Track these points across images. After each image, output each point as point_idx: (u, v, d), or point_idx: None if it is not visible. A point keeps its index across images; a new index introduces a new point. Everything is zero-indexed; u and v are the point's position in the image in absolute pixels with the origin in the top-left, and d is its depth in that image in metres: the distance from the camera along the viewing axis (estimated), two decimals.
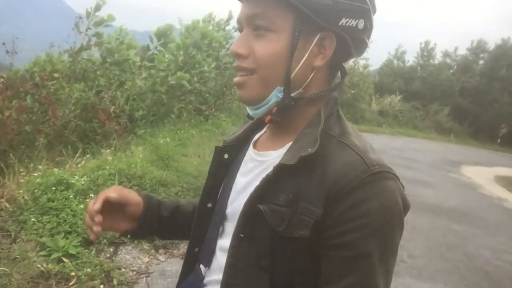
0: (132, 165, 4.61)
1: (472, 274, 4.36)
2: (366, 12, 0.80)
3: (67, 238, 2.96)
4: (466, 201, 8.48)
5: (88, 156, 5.68)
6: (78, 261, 2.80)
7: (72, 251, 2.83)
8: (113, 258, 3.08)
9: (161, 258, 3.30)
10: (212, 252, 0.94)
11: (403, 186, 0.80)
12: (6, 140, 5.76)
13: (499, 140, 28.90)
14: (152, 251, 3.36)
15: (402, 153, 15.11)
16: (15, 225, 3.14)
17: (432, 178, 10.80)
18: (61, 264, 2.75)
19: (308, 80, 0.82)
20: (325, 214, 0.73)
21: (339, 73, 0.92)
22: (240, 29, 0.85)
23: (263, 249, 0.78)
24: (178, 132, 7.67)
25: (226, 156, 0.98)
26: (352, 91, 23.34)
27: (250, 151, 0.94)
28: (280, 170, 0.78)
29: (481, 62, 34.28)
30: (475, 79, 32.77)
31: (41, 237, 2.95)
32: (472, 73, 33.35)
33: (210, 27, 9.15)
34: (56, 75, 7.06)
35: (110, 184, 4.05)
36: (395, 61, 33.45)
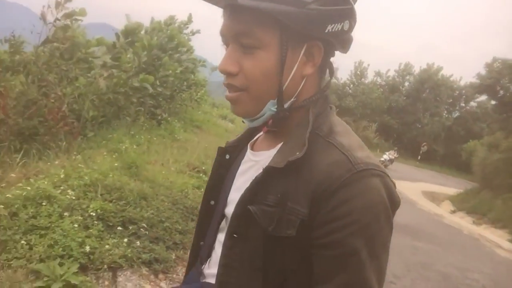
0: (110, 175, 4.15)
1: None
2: (350, 12, 0.80)
3: (62, 264, 2.52)
4: (413, 218, 8.87)
5: (45, 158, 5.07)
6: None
7: (74, 280, 2.39)
8: (115, 286, 2.68)
9: (163, 285, 2.94)
10: (210, 247, 0.96)
11: (394, 183, 0.79)
12: None
13: (419, 157, 31.06)
14: (152, 276, 2.98)
15: None
16: None
17: None
18: None
19: (300, 88, 0.83)
20: (312, 214, 0.74)
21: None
22: (225, 42, 0.83)
23: (256, 249, 0.79)
24: (137, 136, 7.17)
25: (227, 156, 1.01)
26: None
27: (248, 152, 0.97)
28: (269, 172, 0.78)
29: (407, 83, 36.82)
30: (402, 99, 35.06)
31: (30, 262, 2.48)
32: (399, 93, 35.66)
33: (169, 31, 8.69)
34: None
35: (91, 196, 3.59)
36: None
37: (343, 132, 0.83)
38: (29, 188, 3.11)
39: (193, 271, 1.02)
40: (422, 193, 16.00)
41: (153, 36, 7.53)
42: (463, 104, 36.60)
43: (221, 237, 0.92)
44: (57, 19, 4.80)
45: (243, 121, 0.92)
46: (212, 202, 1.01)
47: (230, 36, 0.80)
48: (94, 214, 3.12)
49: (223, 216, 0.94)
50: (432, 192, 17.17)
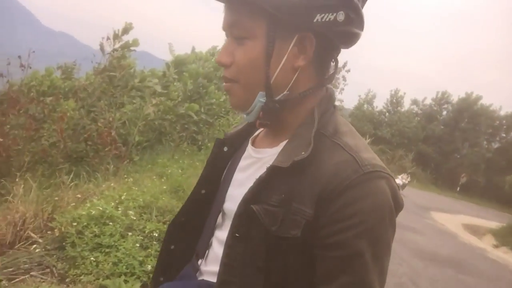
0: (162, 198, 4.34)
1: None
2: (344, 3, 0.77)
3: (127, 282, 2.67)
4: (455, 251, 8.66)
5: (94, 181, 5.33)
6: None
7: None
8: None
9: None
10: (207, 244, 0.94)
11: (398, 186, 0.79)
12: (3, 157, 5.35)
13: (458, 189, 30.08)
14: None
15: None
16: (61, 261, 2.82)
17: (413, 223, 11.02)
18: None
19: (292, 81, 0.81)
20: (317, 214, 0.73)
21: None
22: (225, 36, 0.85)
23: (258, 249, 0.77)
24: (180, 161, 7.42)
25: (225, 149, 0.99)
26: None
27: (249, 147, 0.95)
28: (273, 172, 0.77)
29: (444, 112, 36.16)
30: (439, 128, 34.38)
31: (97, 278, 2.65)
32: (436, 122, 35.01)
33: (213, 59, 9.05)
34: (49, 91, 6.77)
35: (146, 218, 3.77)
36: (366, 105, 34.65)
37: (348, 132, 0.82)
38: (100, 208, 3.32)
39: (189, 267, 1.00)
40: (462, 225, 15.50)
41: (199, 66, 7.88)
42: (504, 135, 35.50)
43: (219, 234, 0.91)
44: (114, 49, 5.15)
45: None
46: (203, 191, 1.00)
47: (226, 29, 0.82)
48: (156, 235, 3.29)
49: (222, 212, 0.93)
50: (473, 225, 16.57)
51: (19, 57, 5.15)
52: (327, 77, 0.87)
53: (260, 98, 0.81)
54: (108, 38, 5.06)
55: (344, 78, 27.45)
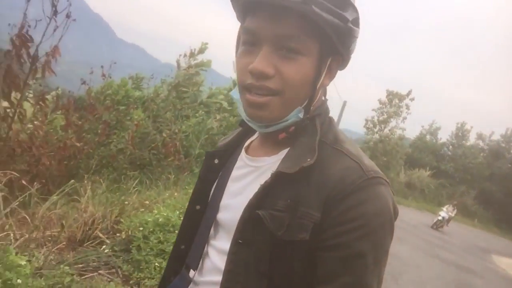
0: None
1: None
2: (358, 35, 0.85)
3: None
4: None
5: (155, 188, 5.55)
6: None
7: None
8: None
9: None
10: (201, 255, 0.93)
11: (394, 193, 0.82)
12: (77, 159, 5.70)
13: None
14: None
15: (434, 231, 14.88)
16: (126, 263, 2.98)
17: (473, 265, 10.43)
18: None
19: (317, 98, 0.86)
20: (323, 217, 0.75)
21: None
22: (252, 42, 0.81)
23: (262, 254, 0.78)
24: None
25: (216, 161, 0.98)
26: (384, 158, 23.38)
27: (243, 157, 0.95)
28: (279, 178, 0.78)
29: None
30: (507, 167, 32.36)
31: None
32: (504, 160, 32.99)
33: None
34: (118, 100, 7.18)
35: None
36: (428, 136, 33.38)
37: (347, 141, 0.86)
38: (164, 214, 3.48)
39: (179, 279, 0.98)
40: None
41: None
42: None
43: (216, 244, 0.91)
44: (190, 66, 5.42)
45: (240, 125, 0.98)
46: (198, 207, 0.99)
47: (268, 38, 0.78)
48: None
49: (216, 222, 0.92)
50: None
51: (102, 67, 5.54)
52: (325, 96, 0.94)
53: (299, 114, 0.83)
54: (185, 55, 5.33)
55: (407, 107, 26.70)
